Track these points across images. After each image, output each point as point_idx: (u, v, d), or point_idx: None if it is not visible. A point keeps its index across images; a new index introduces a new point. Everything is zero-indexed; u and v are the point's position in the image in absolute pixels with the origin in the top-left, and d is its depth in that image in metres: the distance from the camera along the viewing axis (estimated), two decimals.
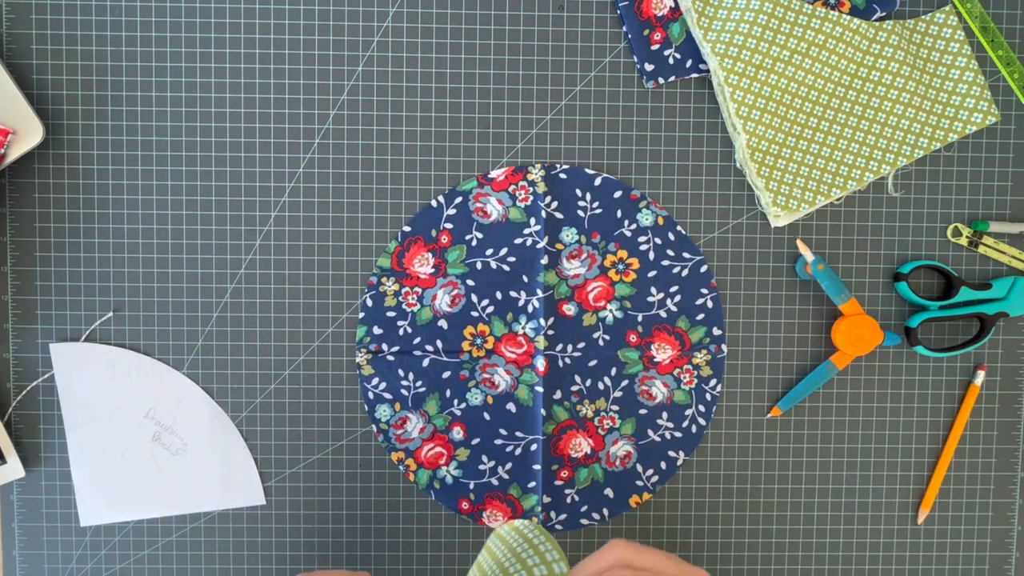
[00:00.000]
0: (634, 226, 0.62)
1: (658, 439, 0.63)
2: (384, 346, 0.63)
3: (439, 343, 0.63)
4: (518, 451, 0.63)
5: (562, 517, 0.63)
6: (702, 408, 0.63)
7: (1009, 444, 0.65)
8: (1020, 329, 0.65)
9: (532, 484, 0.63)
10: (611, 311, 0.63)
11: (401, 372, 0.63)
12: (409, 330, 0.63)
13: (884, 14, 0.62)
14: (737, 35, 0.59)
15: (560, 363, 0.63)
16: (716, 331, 0.63)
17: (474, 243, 0.62)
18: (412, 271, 0.62)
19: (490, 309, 0.63)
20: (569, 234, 0.62)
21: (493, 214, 0.62)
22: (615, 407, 0.63)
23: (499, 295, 0.62)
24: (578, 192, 0.62)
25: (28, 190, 0.61)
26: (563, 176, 0.62)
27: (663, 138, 0.63)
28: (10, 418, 0.62)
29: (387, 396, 0.63)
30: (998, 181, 0.64)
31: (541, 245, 0.62)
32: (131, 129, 0.61)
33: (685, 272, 0.63)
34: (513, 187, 0.62)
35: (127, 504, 0.63)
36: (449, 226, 0.62)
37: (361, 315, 0.63)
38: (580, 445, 0.63)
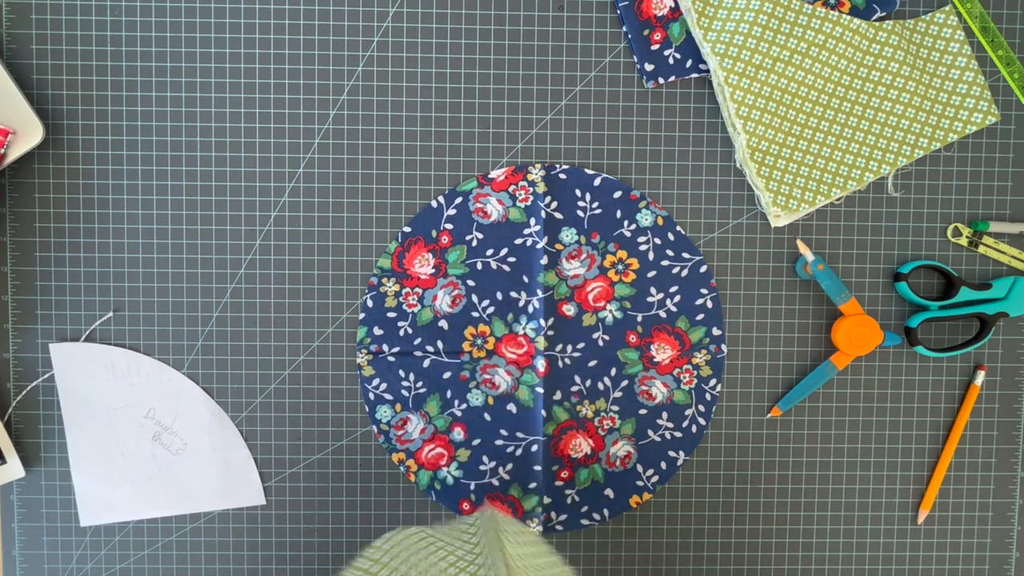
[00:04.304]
0: (634, 226, 0.62)
1: (658, 439, 0.63)
2: (385, 347, 0.63)
3: (440, 344, 0.63)
4: (519, 452, 0.63)
5: (563, 517, 0.63)
6: (702, 408, 0.63)
7: (1009, 444, 0.65)
8: (1020, 329, 0.65)
9: (533, 485, 0.63)
10: (611, 311, 0.63)
11: (402, 373, 0.63)
12: (410, 331, 0.63)
13: (884, 14, 0.62)
14: (737, 35, 0.59)
15: (560, 363, 0.63)
16: (716, 331, 0.63)
17: (474, 243, 0.62)
18: (412, 271, 0.62)
19: (490, 309, 0.63)
20: (569, 234, 0.62)
21: (493, 214, 0.62)
22: (615, 407, 0.63)
23: (499, 295, 0.62)
24: (578, 192, 0.62)
25: (28, 190, 0.61)
26: (563, 176, 0.62)
27: (663, 138, 0.63)
28: (10, 418, 0.62)
29: (388, 397, 0.63)
30: (998, 181, 0.64)
31: (541, 245, 0.62)
32: (131, 129, 0.61)
33: (685, 272, 0.63)
34: (513, 187, 0.62)
35: (127, 504, 0.63)
36: (449, 226, 0.62)
37: (362, 316, 0.62)
38: (580, 445, 0.63)
